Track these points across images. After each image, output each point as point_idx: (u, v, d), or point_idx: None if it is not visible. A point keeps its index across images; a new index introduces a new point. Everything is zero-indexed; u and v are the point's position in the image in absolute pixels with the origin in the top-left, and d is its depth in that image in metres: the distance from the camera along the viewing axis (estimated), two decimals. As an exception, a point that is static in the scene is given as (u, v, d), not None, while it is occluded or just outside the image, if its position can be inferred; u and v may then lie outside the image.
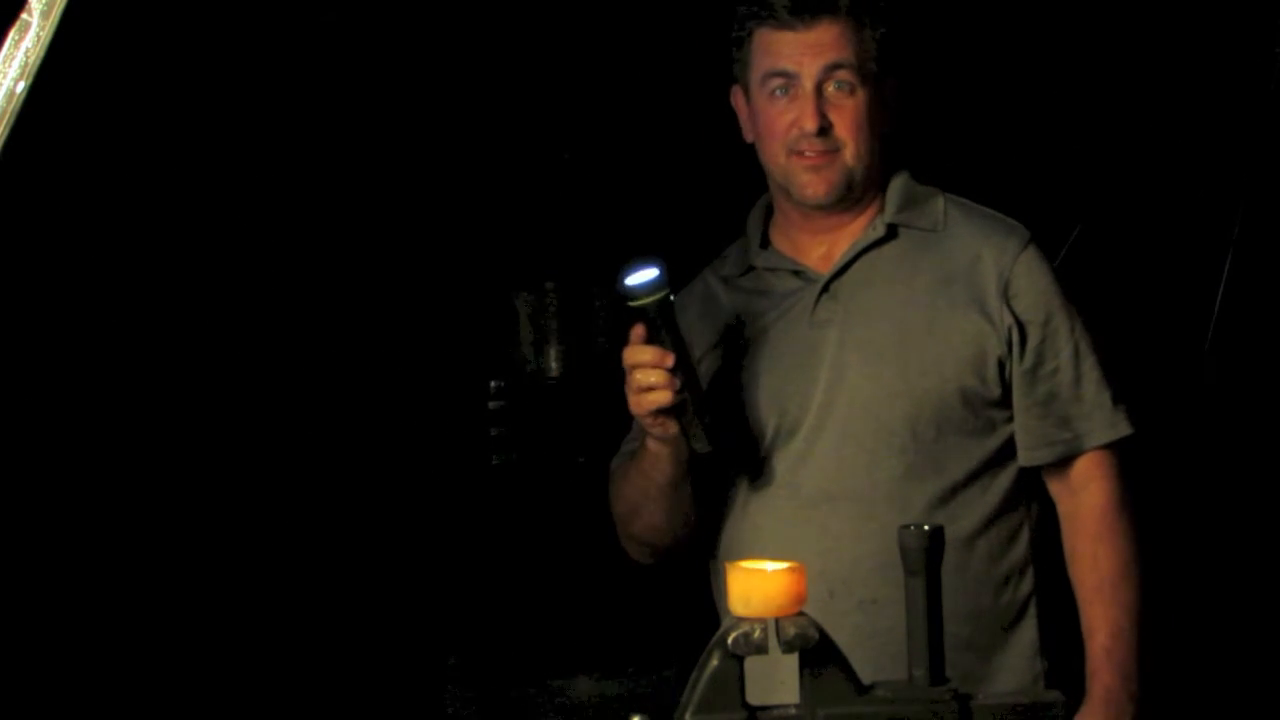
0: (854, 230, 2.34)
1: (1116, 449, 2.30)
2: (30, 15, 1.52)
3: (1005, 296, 2.28)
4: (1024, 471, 2.31)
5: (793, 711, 1.58)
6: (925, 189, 2.38)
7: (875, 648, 2.06)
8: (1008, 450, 2.30)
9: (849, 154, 2.28)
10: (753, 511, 2.30)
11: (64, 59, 1.58)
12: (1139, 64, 3.32)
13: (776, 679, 1.59)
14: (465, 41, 3.38)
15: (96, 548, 3.02)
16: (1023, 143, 3.37)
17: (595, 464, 2.47)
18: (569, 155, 3.50)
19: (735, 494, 2.32)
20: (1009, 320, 2.27)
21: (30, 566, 2.90)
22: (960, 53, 3.33)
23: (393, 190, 3.39)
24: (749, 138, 2.36)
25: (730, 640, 1.54)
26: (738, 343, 2.34)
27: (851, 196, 2.31)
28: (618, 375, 2.21)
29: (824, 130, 2.25)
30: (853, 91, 2.27)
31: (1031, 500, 2.33)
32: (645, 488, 2.30)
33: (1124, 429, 2.30)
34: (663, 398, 2.15)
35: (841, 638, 1.61)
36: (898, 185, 2.36)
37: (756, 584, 1.55)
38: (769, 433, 2.29)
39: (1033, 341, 2.28)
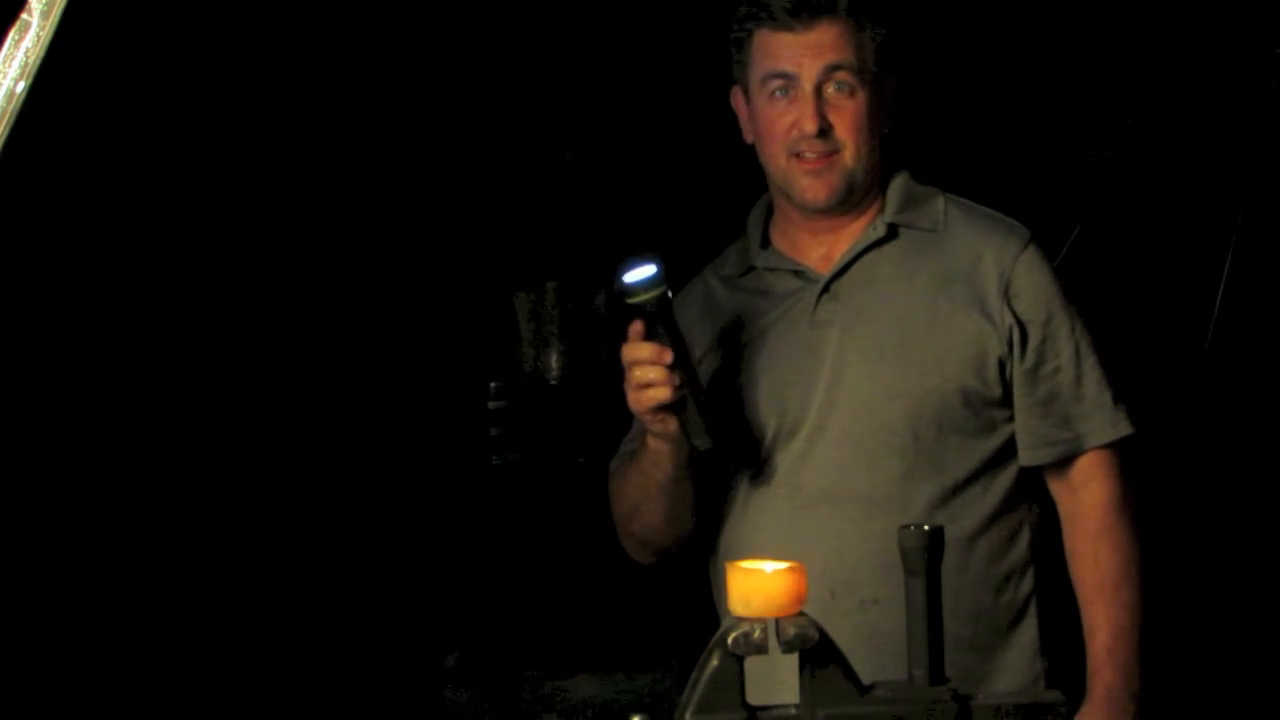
0: (854, 230, 2.34)
1: (1117, 449, 2.31)
2: (30, 15, 1.53)
3: (1006, 296, 2.28)
4: (1024, 471, 2.31)
5: (793, 711, 1.58)
6: (925, 189, 2.38)
7: (876, 648, 2.07)
8: (1008, 450, 2.30)
9: (849, 155, 2.28)
10: (753, 511, 2.30)
11: (64, 59, 1.58)
12: (1139, 64, 3.32)
13: (776, 679, 1.60)
14: (465, 42, 3.38)
15: (97, 548, 3.02)
16: (1023, 143, 3.37)
17: (595, 464, 2.47)
18: (570, 156, 3.50)
19: (736, 494, 2.33)
20: (1010, 320, 2.27)
21: (31, 566, 2.90)
22: (960, 53, 3.33)
23: (393, 190, 3.39)
24: (749, 138, 2.36)
25: (730, 640, 1.55)
26: (738, 343, 2.34)
27: (852, 198, 2.31)
28: (618, 375, 2.21)
29: (824, 132, 2.26)
30: (852, 93, 2.27)
31: (1032, 500, 2.33)
32: (645, 486, 2.30)
33: (1124, 429, 2.30)
34: (662, 394, 2.15)
35: (842, 638, 1.61)
36: (898, 185, 2.36)
37: (756, 584, 1.56)
38: (770, 433, 2.29)
39: (1033, 341, 2.28)
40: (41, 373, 2.94)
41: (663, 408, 2.17)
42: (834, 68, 2.26)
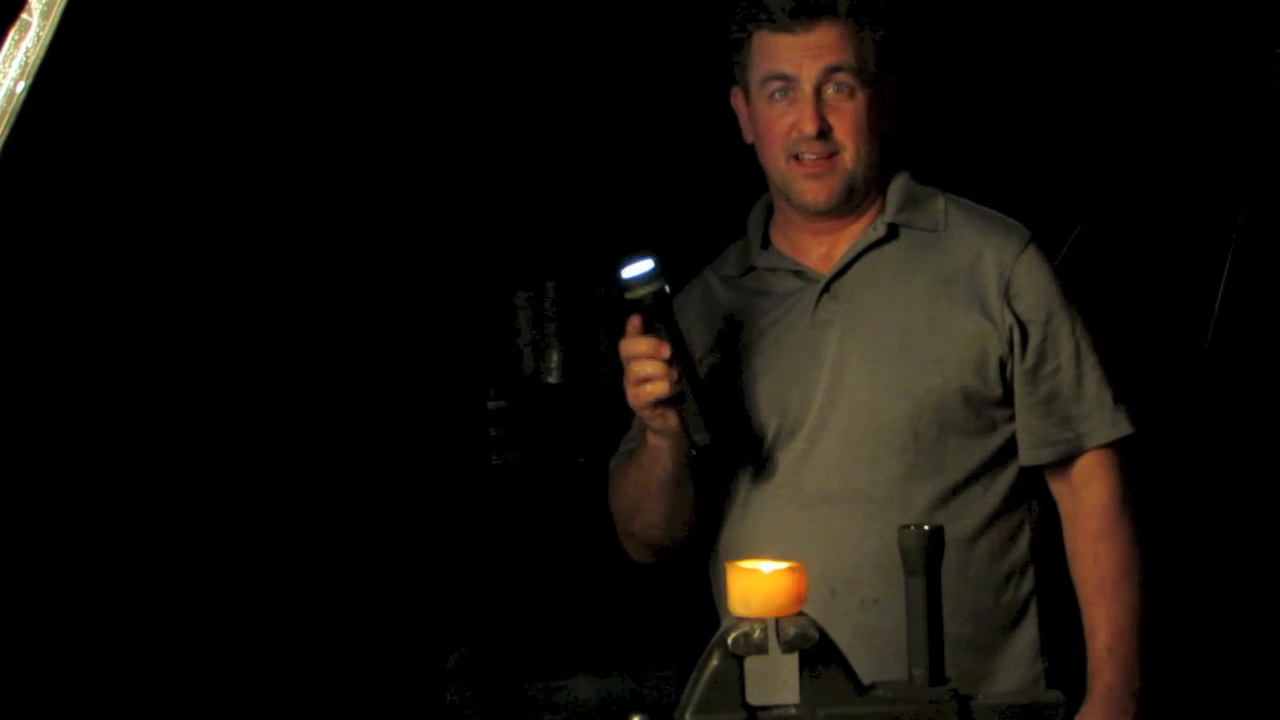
0: (854, 230, 2.34)
1: (1117, 448, 2.31)
2: (30, 15, 1.53)
3: (1006, 296, 2.28)
4: (1025, 471, 2.31)
5: (793, 711, 1.58)
6: (925, 189, 2.38)
7: (877, 647, 2.07)
8: (1009, 450, 2.30)
9: (848, 156, 2.28)
10: (754, 511, 2.30)
11: (64, 59, 1.58)
12: (1139, 64, 3.32)
13: (776, 679, 1.60)
14: (465, 41, 3.38)
15: (98, 548, 3.02)
16: (1023, 143, 3.37)
17: (595, 464, 2.47)
18: (569, 156, 3.49)
19: (736, 494, 2.32)
20: (1010, 320, 2.27)
21: (31, 566, 2.90)
22: (960, 53, 3.33)
23: (392, 190, 3.39)
24: (749, 138, 2.36)
25: (730, 640, 1.55)
26: (738, 343, 2.34)
27: (852, 199, 2.31)
28: (618, 374, 2.21)
29: (823, 134, 2.25)
30: (852, 94, 2.27)
31: (1032, 500, 2.33)
32: (645, 484, 2.30)
33: (1125, 428, 2.30)
34: (660, 389, 2.14)
35: (843, 638, 1.61)
36: (898, 185, 2.36)
37: (756, 584, 1.55)
38: (770, 433, 2.29)
39: (1034, 341, 2.28)
40: (42, 373, 2.94)
41: (661, 403, 2.16)
42: (833, 69, 2.25)
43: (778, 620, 1.54)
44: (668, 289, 2.15)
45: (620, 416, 2.36)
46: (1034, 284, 2.29)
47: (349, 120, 3.30)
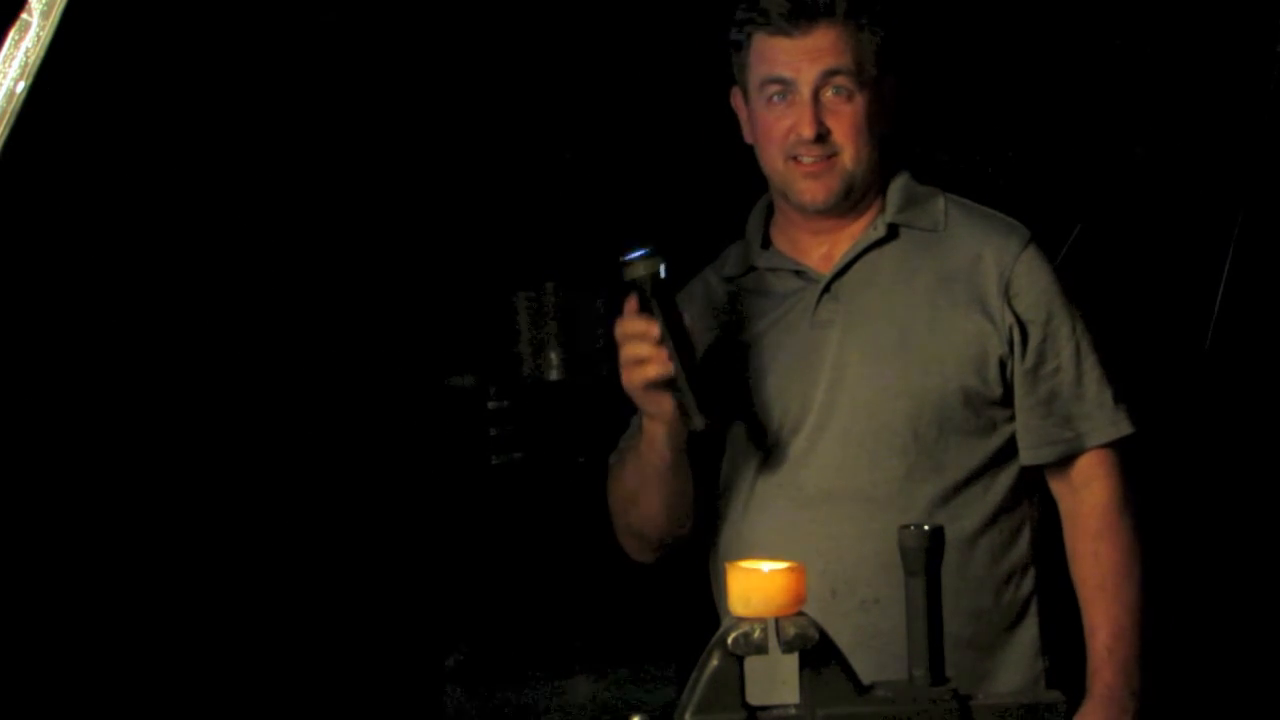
0: (855, 230, 2.35)
1: (1118, 448, 2.31)
2: (30, 15, 1.53)
3: (1006, 296, 2.28)
4: (1025, 471, 2.31)
5: (793, 711, 1.58)
6: (926, 189, 2.38)
7: (878, 647, 2.07)
8: (1009, 449, 2.30)
9: (847, 158, 2.28)
10: (754, 511, 2.30)
11: (64, 59, 1.58)
12: (1139, 63, 3.32)
13: (776, 679, 1.60)
14: (465, 41, 3.38)
15: (98, 548, 3.02)
16: (1023, 143, 3.37)
17: (595, 464, 2.47)
18: (570, 155, 3.50)
19: (737, 494, 2.32)
20: (1010, 320, 2.27)
21: (29, 567, 2.89)
22: (960, 53, 3.33)
23: (393, 190, 3.39)
24: (749, 139, 2.36)
25: (730, 640, 1.54)
26: (739, 343, 2.34)
27: (851, 199, 2.31)
28: (617, 375, 2.21)
29: (821, 137, 2.25)
30: (850, 97, 2.26)
31: (1033, 499, 2.33)
32: (642, 473, 2.29)
33: (1125, 428, 2.30)
34: (653, 371, 2.14)
35: (844, 637, 1.61)
36: (898, 185, 2.36)
37: (756, 584, 1.55)
38: (770, 432, 2.29)
39: (1034, 341, 2.28)
40: (40, 373, 2.94)
41: (655, 385, 2.16)
42: (831, 72, 2.25)
43: (778, 620, 1.54)
44: (663, 270, 2.14)
45: (620, 417, 2.36)
46: (1034, 284, 2.29)
47: (349, 120, 3.30)
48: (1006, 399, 2.29)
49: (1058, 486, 2.33)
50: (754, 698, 1.57)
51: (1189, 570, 3.13)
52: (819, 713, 1.57)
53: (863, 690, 1.58)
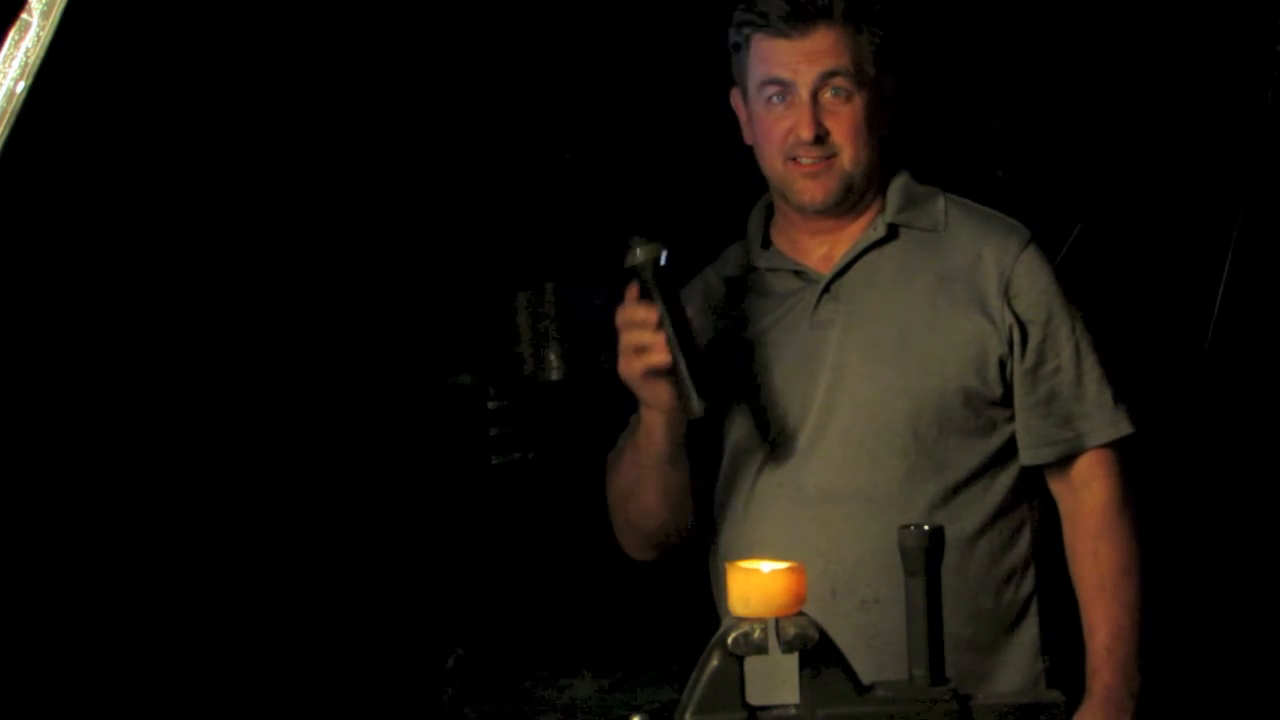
0: (854, 231, 2.35)
1: (1117, 448, 2.31)
2: (30, 15, 1.53)
3: (1006, 296, 2.28)
4: (1025, 471, 2.31)
5: (793, 711, 1.58)
6: (925, 189, 2.38)
7: (878, 647, 2.07)
8: (1009, 450, 2.30)
9: (846, 159, 2.28)
10: (755, 511, 2.30)
11: (64, 59, 1.58)
12: (1139, 63, 3.32)
13: (777, 679, 1.60)
14: (465, 41, 3.38)
15: (98, 548, 3.02)
16: (1023, 143, 3.37)
17: (595, 464, 2.47)
18: (570, 155, 3.50)
19: (737, 494, 2.33)
20: (1010, 320, 2.27)
21: (29, 568, 2.89)
22: (960, 53, 3.33)
23: (393, 190, 3.39)
24: (749, 140, 2.36)
25: (730, 640, 1.55)
26: (739, 343, 2.34)
27: (850, 199, 2.31)
28: (617, 375, 2.21)
29: (820, 138, 2.26)
30: (849, 98, 2.26)
31: (1033, 500, 2.33)
32: (640, 464, 2.29)
33: (1125, 428, 2.30)
34: (653, 359, 2.14)
35: (844, 637, 1.62)
36: (898, 185, 2.36)
37: (756, 584, 1.56)
38: (771, 433, 2.29)
39: (1034, 341, 2.28)
40: (40, 372, 2.94)
41: (654, 373, 2.15)
42: (830, 74, 2.25)
43: (778, 620, 1.54)
44: (665, 257, 2.14)
45: (620, 415, 2.36)
46: (1034, 284, 2.29)
47: (349, 120, 3.30)
48: (1006, 399, 2.29)
49: (1057, 486, 2.33)
50: (754, 698, 1.57)
51: (1189, 570, 3.13)
52: (819, 713, 1.57)
53: (863, 690, 1.58)
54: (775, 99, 2.27)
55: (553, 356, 3.44)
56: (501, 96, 3.42)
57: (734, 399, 2.32)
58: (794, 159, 2.28)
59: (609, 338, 2.21)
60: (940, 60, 3.18)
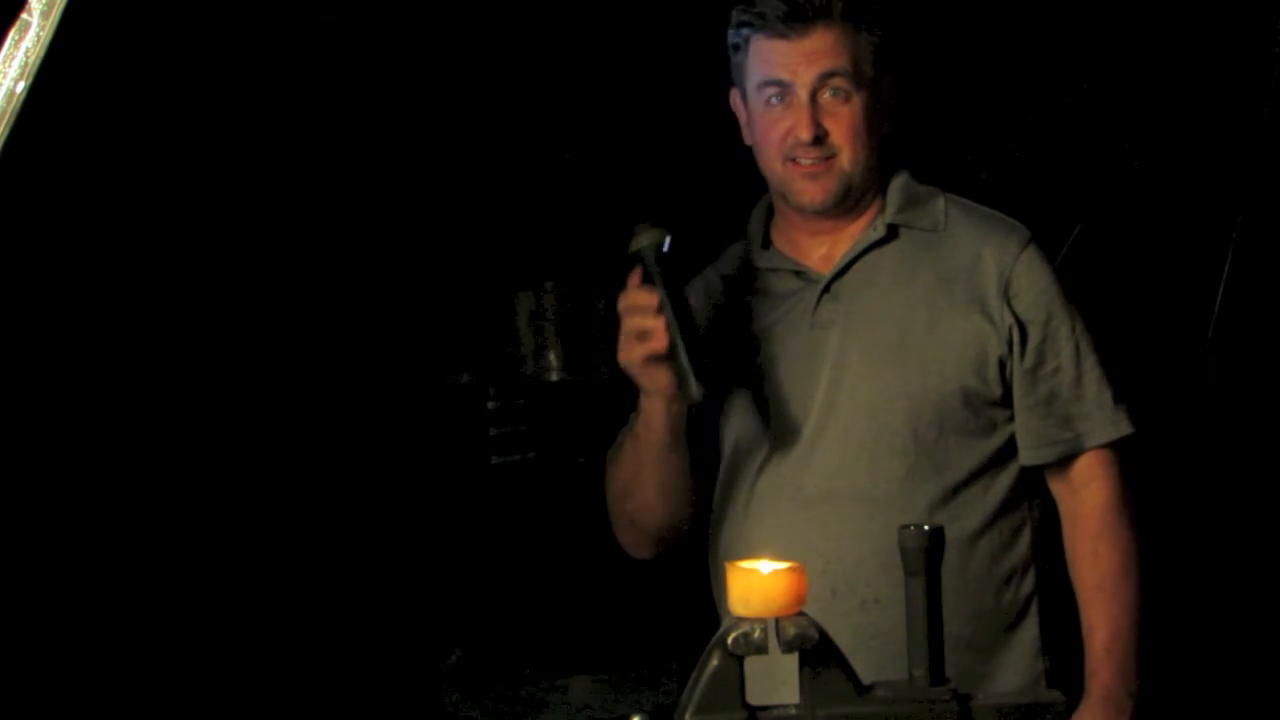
0: (854, 231, 2.35)
1: (1117, 448, 2.31)
2: (30, 15, 1.53)
3: (1006, 296, 2.28)
4: (1025, 471, 2.31)
5: (793, 711, 1.58)
6: (925, 189, 2.38)
7: (878, 647, 2.07)
8: (1009, 450, 2.30)
9: (845, 159, 2.28)
10: (755, 511, 2.30)
11: (64, 59, 1.58)
12: (1139, 63, 3.32)
13: (776, 679, 1.60)
14: (466, 41, 3.38)
15: (97, 548, 3.02)
16: (1023, 143, 3.37)
17: (595, 464, 2.47)
18: (570, 155, 3.50)
19: (737, 494, 2.32)
20: (1010, 320, 2.27)
21: (29, 568, 2.89)
22: (960, 53, 3.33)
23: (393, 190, 3.39)
24: (748, 141, 2.36)
25: (730, 640, 1.55)
26: (739, 343, 2.34)
27: (850, 200, 2.31)
28: (618, 374, 2.21)
29: (819, 139, 2.26)
30: (848, 98, 2.26)
31: (1033, 500, 2.33)
32: (639, 455, 2.28)
33: (1125, 428, 2.30)
34: (654, 345, 2.14)
35: (844, 637, 1.62)
36: (898, 185, 2.36)
37: (756, 584, 1.56)
38: (771, 433, 2.29)
39: (1033, 341, 2.28)
40: (39, 372, 2.94)
41: (654, 359, 2.15)
42: (828, 74, 2.25)
43: (778, 620, 1.54)
44: (668, 242, 2.14)
45: (620, 417, 2.36)
46: (1034, 284, 2.29)
47: (349, 120, 3.30)
48: (1006, 399, 2.29)
49: (1057, 487, 2.33)
50: (754, 698, 1.57)
51: (1188, 571, 3.13)
52: (819, 713, 1.57)
53: (863, 690, 1.58)
54: (774, 100, 2.27)
55: (553, 357, 3.44)
56: (502, 97, 3.42)
57: (734, 398, 2.32)
58: (793, 160, 2.28)
59: (609, 338, 2.20)
60: (940, 60, 3.18)
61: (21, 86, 1.53)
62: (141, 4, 2.88)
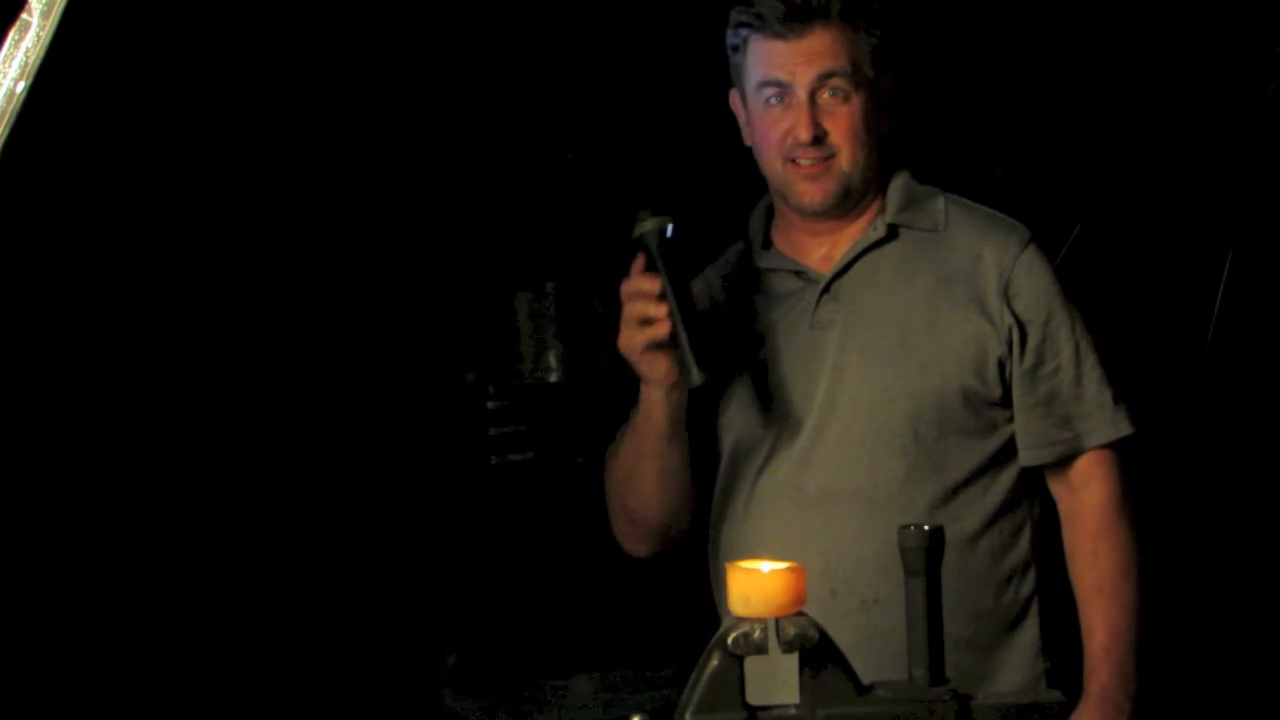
0: (854, 231, 2.35)
1: (1117, 448, 2.31)
2: (30, 15, 1.52)
3: (1006, 296, 2.28)
4: (1025, 471, 2.31)
5: (793, 711, 1.58)
6: (926, 189, 2.38)
7: (878, 647, 2.07)
8: (1009, 450, 2.30)
9: (844, 160, 2.28)
10: (755, 511, 2.30)
11: (64, 59, 1.58)
12: (1139, 63, 3.32)
13: (776, 679, 1.60)
14: (466, 41, 3.38)
15: (96, 548, 3.02)
16: (1023, 143, 3.37)
17: (595, 464, 2.47)
18: (571, 155, 3.50)
19: (737, 494, 2.32)
20: (1009, 320, 2.27)
21: (29, 568, 2.89)
22: (960, 53, 3.33)
23: (393, 190, 3.39)
24: (748, 141, 2.36)
25: (730, 640, 1.55)
26: (739, 343, 2.34)
27: (849, 200, 2.31)
28: (617, 376, 2.21)
29: (818, 139, 2.26)
30: (847, 98, 2.26)
31: (1033, 500, 2.33)
32: (639, 446, 2.28)
33: (1124, 428, 2.30)
34: (655, 332, 2.14)
35: (844, 637, 1.62)
36: (898, 185, 2.36)
37: (756, 584, 1.56)
38: (771, 433, 2.29)
39: (1033, 341, 2.28)
40: (39, 372, 2.94)
41: (655, 346, 2.15)
42: (827, 75, 2.25)
43: (778, 620, 1.54)
44: (671, 229, 2.14)
45: (620, 417, 2.35)
46: (1034, 284, 2.29)
47: (349, 120, 3.30)
48: (1006, 399, 2.29)
49: (1057, 487, 2.33)
50: (754, 698, 1.57)
51: (1188, 571, 3.13)
52: (819, 713, 1.57)
53: (863, 690, 1.58)
54: (773, 100, 2.27)
55: (552, 358, 3.44)
56: (503, 97, 3.42)
57: (734, 398, 2.32)
58: (792, 160, 2.28)
59: (609, 338, 2.20)
60: (939, 60, 3.18)
61: (21, 86, 1.53)
62: (141, 4, 2.88)
